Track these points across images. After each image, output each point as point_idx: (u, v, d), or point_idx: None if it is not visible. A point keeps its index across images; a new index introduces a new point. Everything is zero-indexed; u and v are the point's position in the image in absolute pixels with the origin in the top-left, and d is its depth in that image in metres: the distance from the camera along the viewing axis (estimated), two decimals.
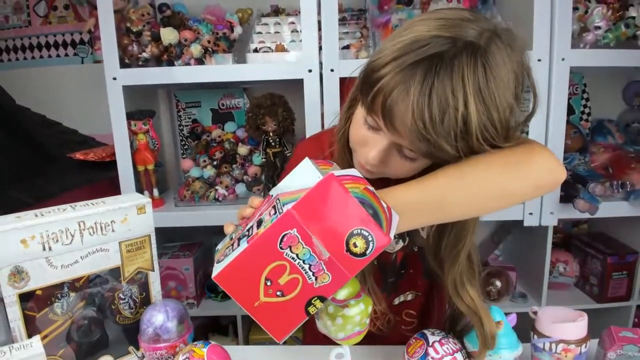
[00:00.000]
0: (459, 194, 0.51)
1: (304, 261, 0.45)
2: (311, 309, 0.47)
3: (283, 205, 0.46)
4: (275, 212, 0.46)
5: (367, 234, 0.44)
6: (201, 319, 1.46)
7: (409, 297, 0.76)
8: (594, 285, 1.36)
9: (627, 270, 1.31)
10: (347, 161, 0.63)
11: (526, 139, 0.57)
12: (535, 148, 0.54)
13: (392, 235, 0.46)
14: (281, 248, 0.45)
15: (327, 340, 0.70)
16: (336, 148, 0.65)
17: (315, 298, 0.47)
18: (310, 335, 0.91)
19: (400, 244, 0.73)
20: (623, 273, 1.31)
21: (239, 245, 0.47)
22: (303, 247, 0.45)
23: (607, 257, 1.31)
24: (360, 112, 0.57)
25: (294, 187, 0.49)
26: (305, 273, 0.45)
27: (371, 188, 0.48)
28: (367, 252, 0.45)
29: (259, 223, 0.48)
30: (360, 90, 0.55)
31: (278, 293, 0.46)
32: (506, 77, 0.50)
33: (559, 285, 1.38)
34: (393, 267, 0.73)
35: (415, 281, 0.75)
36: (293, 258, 0.45)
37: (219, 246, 0.57)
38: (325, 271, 0.45)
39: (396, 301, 0.77)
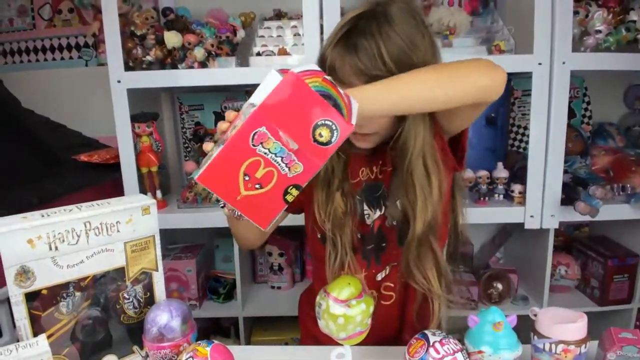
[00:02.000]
0: (412, 86, 0.62)
1: (276, 154, 0.49)
2: (288, 197, 0.51)
3: (252, 108, 0.50)
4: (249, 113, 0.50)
5: (330, 123, 0.49)
6: (203, 321, 1.47)
7: (387, 270, 0.78)
8: (595, 288, 1.36)
9: (628, 273, 1.31)
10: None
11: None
12: (477, 59, 0.67)
13: (353, 122, 0.51)
14: (253, 145, 0.49)
15: (324, 341, 0.71)
16: None
17: (291, 187, 0.51)
18: (307, 335, 0.92)
19: (378, 214, 0.77)
20: (624, 276, 1.31)
21: (217, 148, 0.51)
22: (273, 142, 0.49)
23: (608, 260, 1.31)
24: None
25: (262, 96, 0.52)
26: (279, 165, 0.50)
27: (329, 78, 0.52)
28: (333, 140, 0.50)
29: (234, 129, 0.52)
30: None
31: (257, 186, 0.50)
32: (403, 19, 0.67)
33: (560, 288, 1.38)
34: (371, 236, 0.79)
35: (392, 253, 0.78)
36: (266, 153, 0.49)
37: (205, 158, 0.59)
38: (297, 161, 0.50)
39: (379, 277, 0.79)
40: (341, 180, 0.77)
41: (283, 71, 0.54)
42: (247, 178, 0.50)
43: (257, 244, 0.89)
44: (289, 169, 0.50)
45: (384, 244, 0.79)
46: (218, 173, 0.50)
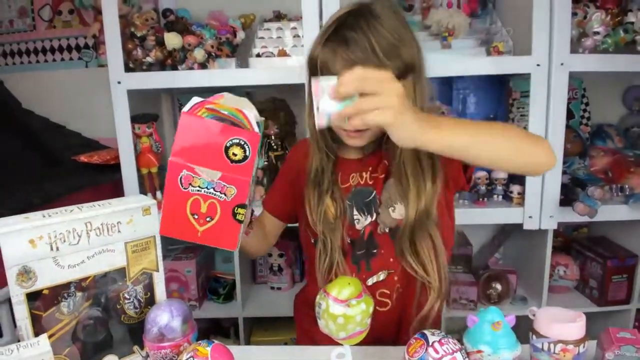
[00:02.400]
0: (485, 137, 0.62)
1: (207, 188, 0.54)
2: (239, 217, 0.56)
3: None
4: None
5: (237, 140, 0.52)
6: (203, 321, 1.47)
7: (382, 277, 0.78)
8: (594, 289, 1.36)
9: (627, 274, 1.32)
10: (324, 147, 0.78)
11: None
12: (543, 139, 0.69)
13: (256, 130, 0.54)
14: (184, 188, 0.54)
15: (321, 341, 0.72)
16: (311, 140, 0.79)
17: (236, 207, 0.55)
18: (303, 336, 0.93)
19: (369, 220, 0.78)
20: (623, 276, 1.32)
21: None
22: (199, 179, 0.53)
23: (607, 261, 1.31)
24: None
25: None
26: (215, 195, 0.54)
27: (215, 104, 0.55)
28: (247, 153, 0.53)
29: None
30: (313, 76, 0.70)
31: (207, 219, 0.55)
32: (389, 15, 0.69)
33: (559, 288, 1.39)
34: (361, 241, 0.79)
35: (387, 260, 0.78)
36: (198, 190, 0.54)
37: None
38: (227, 185, 0.54)
39: (370, 282, 0.79)
40: (330, 182, 0.79)
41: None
42: (196, 217, 0.55)
43: (263, 252, 0.89)
44: (225, 195, 0.54)
45: (374, 250, 0.79)
46: (171, 222, 0.55)
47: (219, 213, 0.54)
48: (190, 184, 0.53)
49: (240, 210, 0.55)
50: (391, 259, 0.78)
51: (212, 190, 0.54)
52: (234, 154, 0.52)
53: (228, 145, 0.52)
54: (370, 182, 0.79)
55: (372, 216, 0.78)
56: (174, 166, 0.54)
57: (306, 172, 0.81)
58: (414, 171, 0.72)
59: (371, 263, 0.79)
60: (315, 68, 0.71)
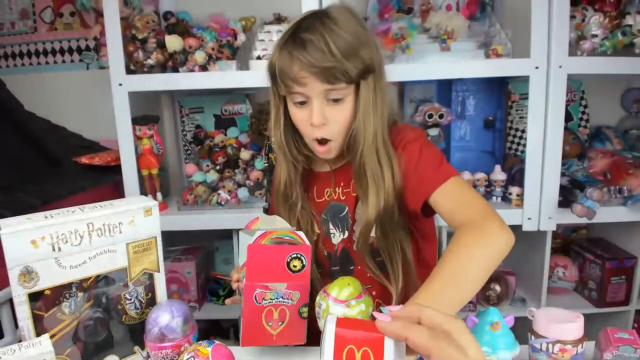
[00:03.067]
0: (462, 285, 0.61)
1: (277, 298, 0.66)
2: (304, 315, 0.67)
3: (243, 278, 0.67)
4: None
5: (295, 255, 0.65)
6: (202, 322, 1.47)
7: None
8: (592, 290, 1.37)
9: (626, 275, 1.32)
10: (291, 157, 0.79)
11: (482, 209, 0.68)
12: (487, 227, 0.65)
13: (307, 242, 0.67)
14: (259, 303, 0.65)
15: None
16: (278, 152, 0.80)
17: (301, 308, 0.67)
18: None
19: (342, 236, 0.80)
20: (622, 278, 1.32)
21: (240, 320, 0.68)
22: (270, 293, 0.65)
23: (605, 262, 1.32)
24: (289, 105, 0.75)
25: (244, 259, 0.69)
26: (284, 302, 0.66)
27: (273, 231, 0.67)
28: (305, 263, 0.65)
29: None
30: (274, 86, 0.75)
31: (280, 323, 0.67)
32: (345, 18, 0.70)
33: (558, 290, 1.39)
34: (335, 256, 0.82)
35: (364, 275, 0.78)
36: (270, 301, 0.66)
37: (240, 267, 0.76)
38: (292, 292, 0.66)
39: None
40: (299, 194, 0.79)
41: (248, 227, 0.74)
42: (270, 324, 0.66)
43: None
44: (292, 300, 0.66)
45: (351, 267, 0.80)
46: (251, 334, 0.66)
47: (289, 316, 0.66)
48: (263, 298, 0.65)
49: (304, 309, 0.67)
50: (368, 275, 0.78)
51: (281, 299, 0.66)
52: (295, 266, 0.65)
53: (289, 260, 0.65)
54: (343, 198, 0.80)
55: (344, 233, 0.79)
56: (250, 287, 0.65)
57: (275, 194, 0.83)
58: (373, 170, 0.72)
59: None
60: (274, 76, 0.73)
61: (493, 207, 0.69)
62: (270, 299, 0.65)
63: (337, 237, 0.80)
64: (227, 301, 0.81)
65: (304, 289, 0.66)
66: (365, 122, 0.71)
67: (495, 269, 0.65)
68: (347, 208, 0.78)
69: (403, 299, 0.75)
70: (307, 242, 0.66)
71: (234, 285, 0.77)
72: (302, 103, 0.72)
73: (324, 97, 0.70)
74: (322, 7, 1.14)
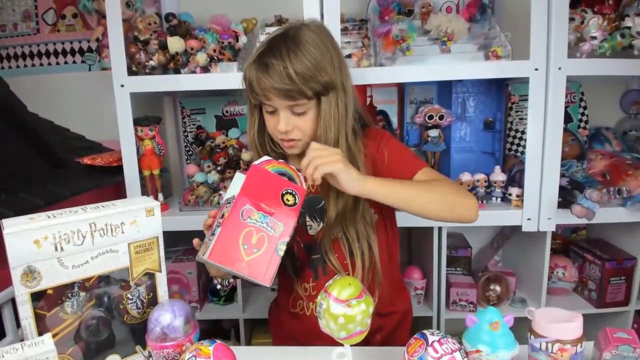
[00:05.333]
0: (413, 195, 0.77)
1: (262, 222, 0.65)
2: (280, 252, 0.65)
3: (233, 197, 0.66)
4: (230, 203, 0.66)
5: (291, 190, 0.68)
6: (203, 323, 1.47)
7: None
8: (592, 291, 1.37)
9: (625, 276, 1.32)
10: (268, 145, 0.88)
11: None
12: (468, 194, 0.84)
13: (304, 186, 0.70)
14: (244, 219, 0.64)
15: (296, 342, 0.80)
16: (253, 147, 0.88)
17: (280, 243, 0.66)
18: (278, 342, 0.99)
19: (320, 225, 0.85)
20: (621, 278, 1.32)
21: (214, 234, 0.65)
22: (257, 213, 0.65)
23: (605, 263, 1.32)
24: (263, 110, 0.83)
25: (233, 193, 0.69)
26: (266, 229, 0.65)
27: (282, 160, 0.73)
28: (296, 201, 0.68)
29: (222, 216, 0.67)
30: (250, 96, 0.82)
31: (255, 250, 0.64)
32: (311, 42, 0.78)
33: (558, 290, 1.39)
34: (315, 245, 0.86)
35: (342, 262, 0.85)
36: (254, 222, 0.65)
37: (200, 251, 0.72)
38: (277, 222, 0.66)
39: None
40: None
41: (244, 172, 0.73)
42: (245, 247, 0.63)
43: None
44: (274, 230, 0.65)
45: (330, 257, 0.84)
46: (223, 249, 0.63)
47: (266, 245, 0.64)
48: (249, 216, 0.64)
49: (282, 247, 0.65)
50: (345, 261, 0.84)
51: (264, 225, 0.65)
52: (288, 200, 0.67)
53: (284, 192, 0.67)
54: (318, 190, 0.84)
55: (323, 222, 0.84)
56: (242, 200, 0.65)
57: None
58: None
59: (327, 267, 0.85)
60: (249, 87, 0.81)
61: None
62: (256, 220, 0.64)
63: (315, 227, 0.84)
64: (195, 241, 0.78)
65: (289, 225, 0.66)
66: (327, 132, 0.80)
67: (451, 219, 0.81)
68: (323, 200, 0.83)
69: (366, 283, 0.84)
70: (304, 186, 0.70)
71: (208, 221, 0.76)
72: (272, 112, 0.81)
73: (289, 109, 0.79)
74: (323, 7, 1.15)
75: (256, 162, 0.70)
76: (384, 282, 0.87)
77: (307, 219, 0.84)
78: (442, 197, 0.79)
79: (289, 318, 0.92)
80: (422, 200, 0.77)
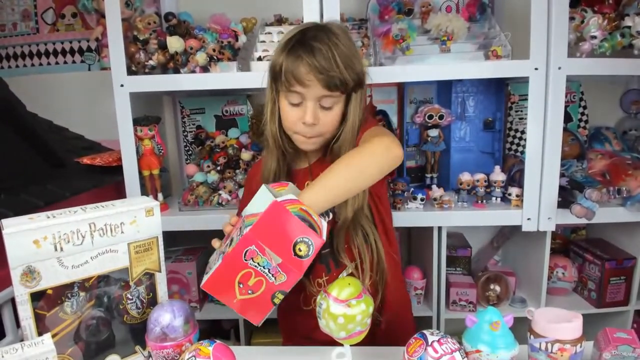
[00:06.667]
0: (337, 189, 0.72)
1: (264, 267, 0.60)
2: (275, 300, 0.62)
3: (245, 227, 0.61)
4: (240, 233, 0.62)
5: (307, 240, 0.60)
6: (203, 323, 1.47)
7: (350, 270, 0.81)
8: (592, 291, 1.37)
9: (625, 276, 1.32)
10: (282, 147, 0.86)
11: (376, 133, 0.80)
12: (379, 138, 0.76)
13: (324, 237, 0.63)
14: (245, 260, 0.60)
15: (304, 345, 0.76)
16: (271, 142, 0.86)
17: (278, 292, 0.62)
18: (288, 341, 0.98)
19: (330, 217, 0.83)
20: (621, 278, 1.32)
21: (218, 260, 0.63)
22: (261, 258, 0.60)
23: (605, 263, 1.32)
24: (283, 103, 0.82)
25: (254, 210, 0.65)
26: (267, 275, 0.61)
27: (305, 207, 0.64)
28: (309, 253, 0.61)
29: (231, 242, 0.64)
30: (274, 83, 0.81)
31: (249, 292, 0.61)
32: (343, 34, 0.79)
33: (558, 290, 1.39)
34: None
35: (351, 252, 0.85)
36: (255, 266, 0.60)
37: (210, 258, 0.73)
38: (281, 272, 0.61)
39: (342, 277, 0.83)
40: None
41: (273, 185, 0.71)
42: (241, 286, 0.61)
43: None
44: (275, 278, 0.61)
45: (339, 247, 0.85)
46: (218, 282, 0.61)
47: (262, 290, 0.61)
48: (252, 258, 0.60)
49: (279, 296, 0.62)
50: (353, 250, 0.85)
51: (266, 271, 0.61)
52: (300, 249, 0.60)
53: (298, 240, 0.60)
54: None
55: (329, 216, 0.83)
56: (248, 239, 0.60)
57: (263, 181, 0.87)
58: None
59: (338, 259, 0.85)
60: (277, 74, 0.79)
61: (394, 135, 0.80)
62: (258, 263, 0.60)
63: (323, 223, 0.83)
64: (214, 242, 0.77)
65: (292, 278, 0.61)
66: (352, 129, 0.81)
67: (378, 176, 0.75)
68: None
69: (371, 281, 0.86)
70: (324, 237, 0.63)
71: (227, 228, 0.73)
72: (297, 104, 0.80)
73: (317, 101, 0.79)
74: (323, 6, 1.15)
75: (279, 199, 0.62)
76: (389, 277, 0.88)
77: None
78: (359, 166, 0.74)
79: (302, 318, 0.89)
80: (351, 182, 0.73)
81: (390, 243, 0.91)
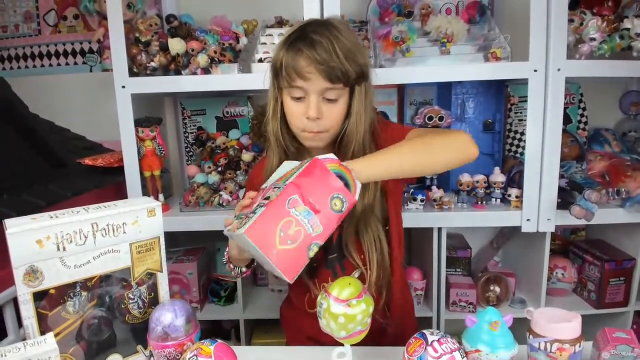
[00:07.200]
0: (397, 161, 0.73)
1: (304, 217, 0.62)
2: (311, 253, 0.63)
3: (285, 182, 0.64)
4: (279, 189, 0.64)
5: (342, 197, 0.64)
6: (204, 324, 1.47)
7: (356, 275, 0.81)
8: (592, 292, 1.37)
9: (625, 277, 1.33)
10: (284, 146, 0.85)
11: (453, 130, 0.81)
12: (456, 133, 0.79)
13: (356, 197, 0.66)
14: (289, 208, 0.61)
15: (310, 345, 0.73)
16: (273, 140, 0.85)
17: (313, 244, 0.63)
18: (293, 342, 0.98)
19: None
20: (621, 279, 1.33)
21: (255, 213, 0.63)
22: (303, 207, 0.62)
23: (604, 264, 1.32)
24: (286, 100, 0.80)
25: (281, 174, 0.68)
26: (306, 225, 0.62)
27: (344, 164, 0.67)
28: (343, 209, 0.64)
29: (267, 199, 0.65)
30: (276, 80, 0.81)
31: (289, 242, 0.61)
32: (346, 29, 0.79)
33: (558, 291, 1.40)
34: (331, 245, 0.85)
35: (359, 257, 0.84)
36: (297, 215, 0.62)
37: (229, 227, 0.70)
38: (319, 224, 0.63)
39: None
40: None
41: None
42: (282, 234, 0.61)
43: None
44: (313, 229, 0.62)
45: (345, 253, 0.84)
46: (261, 228, 0.61)
47: (300, 242, 0.62)
48: (294, 207, 0.62)
49: (314, 248, 0.63)
50: (362, 256, 0.84)
51: (306, 221, 0.62)
52: (335, 205, 0.64)
53: (334, 196, 0.64)
54: None
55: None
56: (292, 188, 0.62)
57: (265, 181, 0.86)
58: None
59: (344, 264, 0.85)
60: (278, 71, 0.78)
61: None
62: (300, 213, 0.62)
63: (358, 184, 0.84)
64: (226, 220, 0.75)
65: (328, 230, 0.63)
66: (357, 124, 0.80)
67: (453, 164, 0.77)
68: None
69: (377, 282, 0.84)
70: (357, 197, 0.66)
71: (246, 202, 0.73)
72: (300, 99, 0.78)
73: (321, 95, 0.77)
74: (323, 9, 1.15)
75: (320, 157, 0.66)
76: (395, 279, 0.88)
77: None
78: (432, 148, 0.76)
79: (306, 319, 0.88)
80: (416, 160, 0.74)
81: (400, 245, 0.90)
